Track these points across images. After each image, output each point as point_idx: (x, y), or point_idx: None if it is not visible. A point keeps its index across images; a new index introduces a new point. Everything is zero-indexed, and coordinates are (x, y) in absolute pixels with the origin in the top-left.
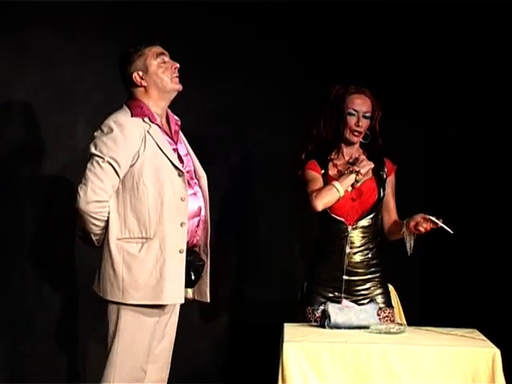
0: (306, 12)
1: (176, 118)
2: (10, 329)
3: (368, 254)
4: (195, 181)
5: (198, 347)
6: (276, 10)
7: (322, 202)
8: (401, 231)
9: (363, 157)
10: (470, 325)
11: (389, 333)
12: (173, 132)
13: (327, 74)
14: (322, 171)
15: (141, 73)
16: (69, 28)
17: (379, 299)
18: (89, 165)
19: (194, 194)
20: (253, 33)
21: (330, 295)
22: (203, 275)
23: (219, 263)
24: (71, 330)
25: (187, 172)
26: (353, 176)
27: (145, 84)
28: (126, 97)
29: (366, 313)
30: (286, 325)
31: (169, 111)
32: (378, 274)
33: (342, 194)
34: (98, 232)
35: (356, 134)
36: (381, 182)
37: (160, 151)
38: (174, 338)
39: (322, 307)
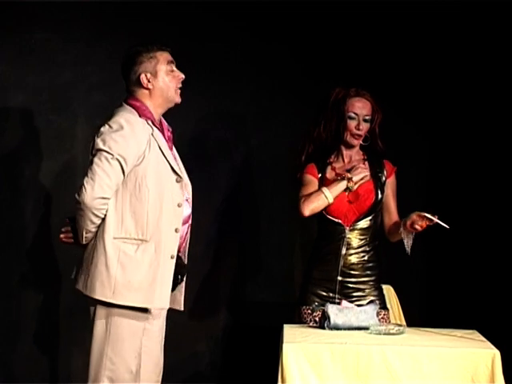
0: (306, 15)
1: (167, 125)
2: (10, 329)
3: (364, 256)
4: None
5: (198, 348)
6: (276, 12)
7: (309, 208)
8: (399, 231)
9: (362, 166)
10: (469, 326)
11: (388, 334)
12: (166, 138)
13: (328, 75)
14: (319, 175)
15: (149, 75)
16: (69, 29)
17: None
18: (96, 160)
19: (187, 200)
20: (254, 35)
21: (325, 295)
22: (180, 283)
23: (219, 264)
24: (71, 330)
25: None
26: (344, 183)
27: (150, 87)
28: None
29: (366, 314)
30: (285, 326)
31: (162, 118)
32: (373, 278)
33: (330, 200)
34: (93, 230)
35: (356, 137)
36: (379, 184)
37: (162, 155)
38: (162, 342)
39: (315, 305)
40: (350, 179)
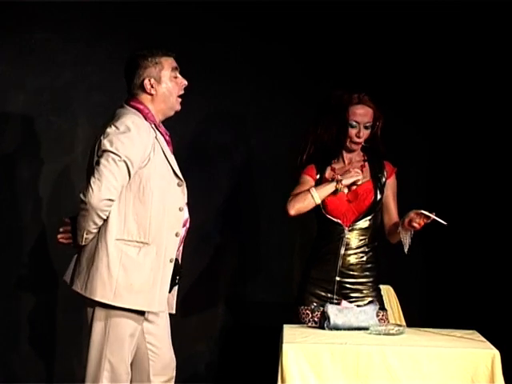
0: (306, 15)
1: (165, 130)
2: (10, 329)
3: (363, 257)
4: None
5: (198, 348)
6: (276, 12)
7: (294, 207)
8: (397, 230)
9: (356, 169)
10: (469, 326)
11: (388, 334)
12: (166, 142)
13: (328, 75)
14: (318, 176)
15: (153, 80)
16: (69, 29)
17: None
18: (103, 161)
19: (187, 204)
20: (254, 35)
21: (323, 295)
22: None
23: (219, 264)
24: (71, 331)
25: None
26: (333, 185)
27: (153, 92)
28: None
29: (366, 314)
30: (285, 326)
31: (160, 123)
32: (371, 279)
33: (317, 201)
34: (94, 231)
35: (356, 143)
36: (378, 185)
37: (165, 159)
38: (169, 341)
39: (314, 306)
40: (339, 181)
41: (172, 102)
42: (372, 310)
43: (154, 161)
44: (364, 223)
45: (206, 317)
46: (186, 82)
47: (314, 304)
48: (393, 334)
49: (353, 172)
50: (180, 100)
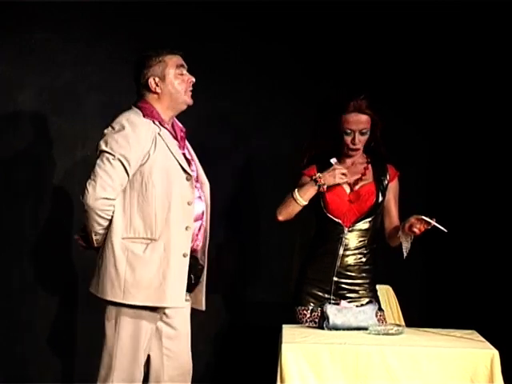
0: (306, 15)
1: (181, 125)
2: (10, 329)
3: (361, 258)
4: (198, 185)
5: (197, 348)
6: (276, 12)
7: (281, 214)
8: (398, 235)
9: (341, 169)
10: (468, 326)
11: (387, 334)
12: (179, 138)
13: (328, 75)
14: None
15: (157, 79)
16: (69, 29)
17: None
18: (99, 161)
19: (199, 197)
20: (254, 35)
21: (320, 295)
22: (201, 281)
23: (220, 264)
24: (70, 331)
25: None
26: (313, 184)
27: (159, 91)
28: (135, 98)
29: (365, 314)
30: (284, 326)
31: (175, 119)
32: (368, 280)
33: (303, 203)
34: (101, 231)
35: (353, 150)
36: (380, 187)
37: (170, 154)
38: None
39: (314, 307)
40: (319, 179)
41: (180, 98)
42: (371, 309)
43: (156, 156)
44: (364, 224)
45: (205, 317)
46: (193, 79)
47: (312, 304)
48: (392, 334)
49: (337, 170)
50: (190, 94)
